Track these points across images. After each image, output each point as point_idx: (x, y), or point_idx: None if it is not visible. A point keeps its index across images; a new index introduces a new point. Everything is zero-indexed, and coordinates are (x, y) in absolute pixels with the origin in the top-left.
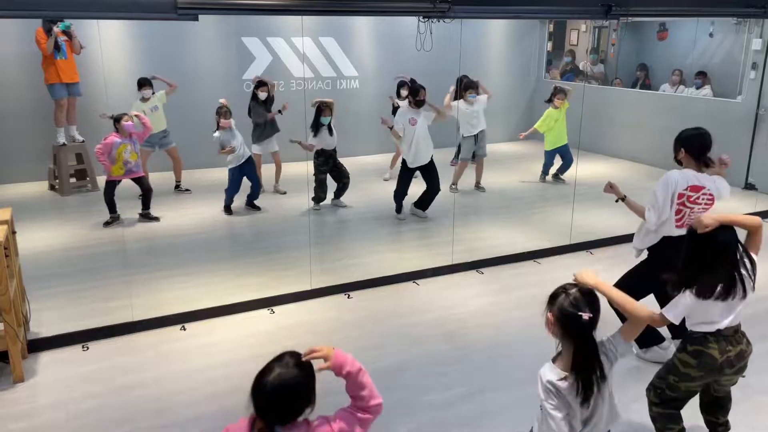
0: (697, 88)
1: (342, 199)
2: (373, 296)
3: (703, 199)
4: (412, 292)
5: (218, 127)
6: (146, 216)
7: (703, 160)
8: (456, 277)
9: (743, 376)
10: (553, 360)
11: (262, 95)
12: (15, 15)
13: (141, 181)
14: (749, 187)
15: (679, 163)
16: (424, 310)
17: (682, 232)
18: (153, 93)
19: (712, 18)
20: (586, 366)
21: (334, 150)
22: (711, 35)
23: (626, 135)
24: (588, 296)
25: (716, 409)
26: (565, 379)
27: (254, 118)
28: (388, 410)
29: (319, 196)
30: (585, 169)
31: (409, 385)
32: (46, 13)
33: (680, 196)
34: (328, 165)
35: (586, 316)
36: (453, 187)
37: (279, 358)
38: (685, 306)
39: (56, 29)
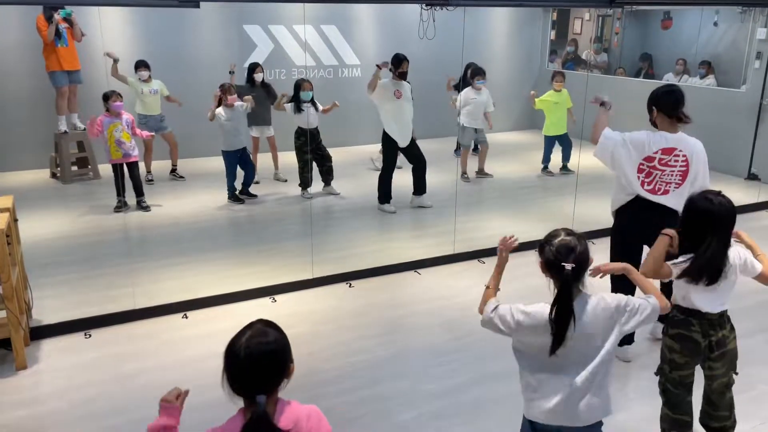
0: (701, 78)
1: (333, 186)
2: (374, 285)
3: (676, 161)
4: (413, 282)
5: (222, 104)
6: (139, 204)
7: (677, 116)
8: (457, 267)
9: (736, 373)
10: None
11: (258, 77)
12: (16, 2)
13: (131, 167)
14: (752, 177)
15: (655, 125)
16: (425, 300)
17: (653, 198)
18: (150, 76)
19: (717, 7)
20: (560, 311)
21: (316, 130)
22: (715, 24)
23: (629, 125)
24: (570, 246)
25: (711, 410)
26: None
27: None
28: (388, 399)
29: (304, 178)
30: (587, 159)
31: (409, 373)
32: (48, 1)
33: (650, 159)
34: (308, 146)
35: (568, 266)
36: (464, 176)
37: (249, 326)
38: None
39: (57, 16)
